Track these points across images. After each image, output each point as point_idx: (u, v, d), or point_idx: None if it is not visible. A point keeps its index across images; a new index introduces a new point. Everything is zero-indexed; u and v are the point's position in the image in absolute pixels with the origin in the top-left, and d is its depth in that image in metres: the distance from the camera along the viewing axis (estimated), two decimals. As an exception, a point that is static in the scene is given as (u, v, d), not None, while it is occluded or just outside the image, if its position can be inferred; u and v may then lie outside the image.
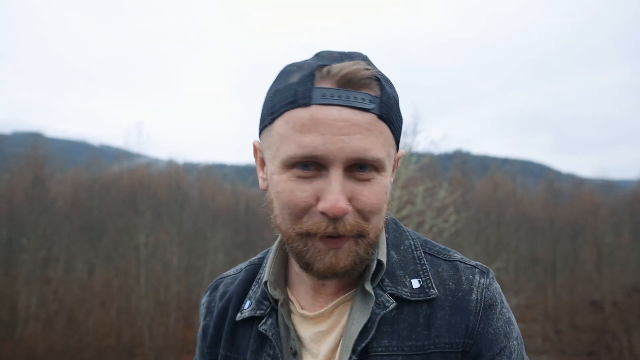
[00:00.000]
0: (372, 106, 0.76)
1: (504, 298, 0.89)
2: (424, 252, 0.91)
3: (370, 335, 0.82)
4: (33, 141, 25.29)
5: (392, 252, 0.90)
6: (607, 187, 32.10)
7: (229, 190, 32.25)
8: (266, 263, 0.98)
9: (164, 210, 24.14)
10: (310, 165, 0.78)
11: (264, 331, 0.89)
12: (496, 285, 0.89)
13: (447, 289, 0.86)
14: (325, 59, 0.81)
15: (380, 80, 0.79)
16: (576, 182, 39.03)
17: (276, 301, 0.91)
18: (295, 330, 0.90)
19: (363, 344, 0.82)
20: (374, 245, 0.83)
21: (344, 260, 0.80)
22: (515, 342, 0.86)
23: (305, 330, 0.89)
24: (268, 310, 0.91)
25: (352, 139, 0.75)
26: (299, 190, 0.78)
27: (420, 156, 11.92)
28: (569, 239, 26.51)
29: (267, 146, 0.84)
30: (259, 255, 1.05)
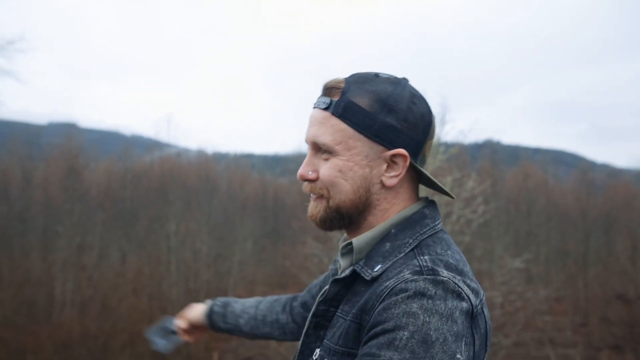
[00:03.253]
0: (326, 106, 1.07)
1: (426, 299, 0.90)
2: (413, 249, 1.03)
3: (330, 295, 1.07)
4: (68, 132, 25.96)
5: (387, 243, 1.06)
6: (643, 177, 31.18)
7: (258, 179, 32.54)
8: None
9: (194, 200, 24.53)
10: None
11: (329, 269, 1.27)
12: (423, 284, 0.92)
13: (387, 275, 0.99)
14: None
15: (343, 89, 1.07)
16: (611, 172, 38.00)
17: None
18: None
19: (320, 298, 1.08)
20: (338, 211, 1.09)
21: (313, 211, 1.11)
22: (406, 333, 0.87)
23: None
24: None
25: (311, 129, 1.10)
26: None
27: (448, 146, 11.79)
28: (602, 231, 25.90)
29: None
30: None
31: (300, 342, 1.12)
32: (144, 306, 19.48)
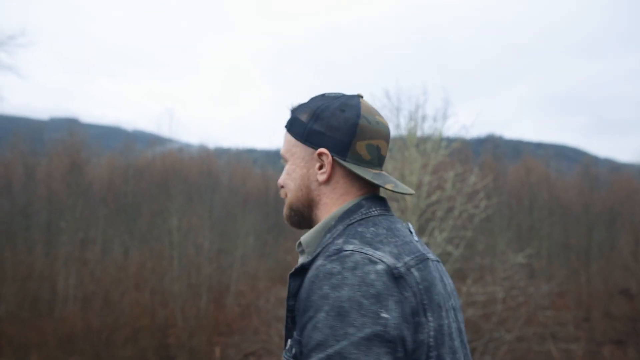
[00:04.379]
0: (285, 124, 1.32)
1: (334, 277, 1.03)
2: (339, 235, 1.15)
3: (290, 290, 1.16)
4: (70, 127, 25.96)
5: (327, 234, 1.19)
6: (646, 172, 31.06)
7: (259, 174, 32.56)
8: None
9: (196, 195, 24.55)
10: None
11: None
12: (330, 265, 1.05)
13: (314, 264, 1.11)
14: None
15: (294, 110, 1.31)
16: (614, 166, 37.85)
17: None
18: None
19: (288, 296, 1.17)
20: (292, 207, 1.29)
21: (284, 212, 1.32)
22: (322, 314, 1.01)
23: None
24: None
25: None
26: None
27: (450, 141, 11.76)
28: (604, 225, 25.83)
29: None
30: None
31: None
32: (146, 301, 19.54)
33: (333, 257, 1.06)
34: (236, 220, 24.13)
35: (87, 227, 22.26)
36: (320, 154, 1.23)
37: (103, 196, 24.24)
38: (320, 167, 1.24)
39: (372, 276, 1.02)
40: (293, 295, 1.15)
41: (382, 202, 1.24)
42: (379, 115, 1.27)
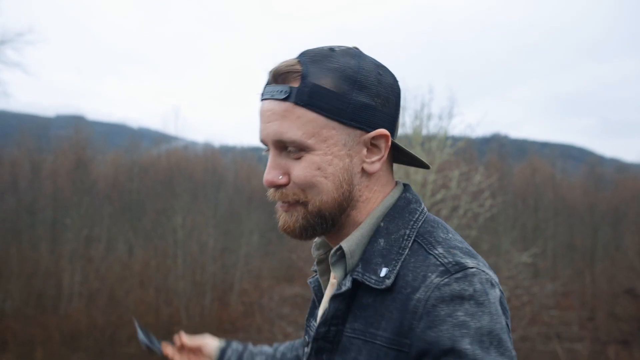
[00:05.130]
0: (286, 95, 0.91)
1: (468, 301, 0.82)
2: (415, 241, 0.92)
3: (330, 314, 0.92)
4: (75, 124, 26.04)
5: (380, 239, 0.93)
6: (652, 172, 30.91)
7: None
8: None
9: (200, 193, 24.58)
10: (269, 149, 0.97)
11: (309, 283, 1.09)
12: (458, 286, 0.83)
13: (406, 281, 0.87)
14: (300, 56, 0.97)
15: (302, 72, 0.91)
16: (620, 167, 37.67)
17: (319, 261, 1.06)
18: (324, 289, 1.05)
19: (321, 320, 0.93)
20: (320, 215, 0.94)
21: (288, 221, 0.96)
22: (466, 347, 0.79)
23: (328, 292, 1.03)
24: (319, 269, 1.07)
25: (270, 125, 0.93)
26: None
27: (456, 140, 11.73)
28: (610, 226, 25.73)
29: None
30: None
31: None
32: (151, 298, 19.61)
33: (458, 276, 0.83)
34: (241, 219, 24.15)
35: (92, 225, 22.33)
36: (376, 137, 0.93)
37: (108, 194, 24.30)
38: (368, 153, 0.94)
39: (497, 304, 0.84)
40: (330, 320, 0.92)
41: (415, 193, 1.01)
42: None
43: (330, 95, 0.90)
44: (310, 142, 0.91)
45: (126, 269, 20.49)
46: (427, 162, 1.01)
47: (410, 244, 0.91)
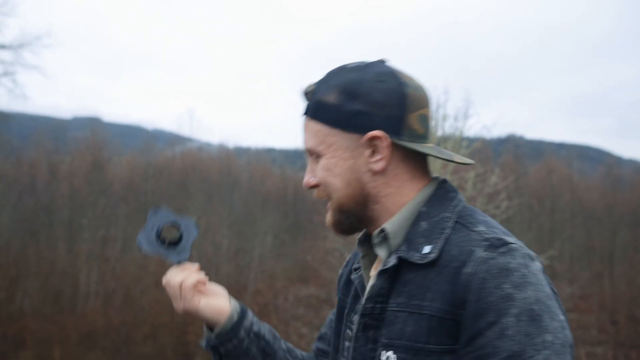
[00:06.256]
0: (304, 112, 1.11)
1: (513, 274, 0.90)
2: (456, 222, 1.01)
3: (375, 290, 1.02)
4: (92, 126, 26.37)
5: (422, 222, 1.03)
6: (672, 173, 30.37)
7: (278, 174, 32.62)
8: None
9: (215, 194, 24.72)
10: None
11: (352, 279, 1.16)
12: (503, 259, 0.91)
13: (450, 254, 0.95)
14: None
15: (314, 91, 1.10)
16: (638, 168, 37.10)
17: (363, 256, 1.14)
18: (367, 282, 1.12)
19: (367, 294, 1.04)
20: (341, 209, 1.08)
21: (327, 219, 1.11)
22: (513, 319, 0.86)
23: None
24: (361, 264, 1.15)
25: (303, 137, 1.12)
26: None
27: (471, 141, 11.64)
28: (628, 227, 25.31)
29: None
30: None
31: (349, 349, 1.07)
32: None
33: (502, 250, 0.92)
34: (255, 220, 24.21)
35: (108, 225, 22.55)
36: (371, 139, 1.04)
37: (124, 194, 24.54)
38: (372, 154, 1.05)
39: (540, 275, 0.92)
40: (375, 296, 1.01)
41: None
42: (416, 78, 1.09)
43: (330, 107, 1.06)
44: (320, 148, 1.07)
45: (142, 269, 20.64)
46: (454, 159, 1.10)
47: (452, 224, 1.00)
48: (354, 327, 1.06)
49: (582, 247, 24.96)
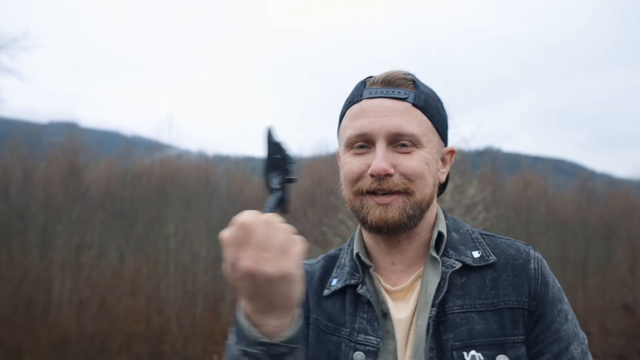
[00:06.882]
0: (406, 97, 1.04)
1: (547, 266, 1.09)
2: (480, 234, 1.12)
3: (444, 290, 1.01)
4: (68, 131, 25.93)
5: (453, 233, 1.10)
6: (643, 188, 31.11)
7: (258, 183, 32.49)
8: (345, 252, 1.17)
9: (193, 202, 24.50)
10: (364, 146, 1.05)
11: (362, 293, 1.05)
12: (539, 254, 1.10)
13: (508, 254, 1.07)
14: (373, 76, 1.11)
15: (415, 82, 1.07)
16: (611, 182, 37.93)
17: (368, 268, 1.09)
18: (383, 296, 1.07)
19: (440, 298, 1.01)
20: (420, 206, 1.04)
21: (392, 213, 1.02)
22: (567, 306, 1.06)
23: (387, 299, 1.07)
24: (361, 278, 1.09)
25: (390, 119, 1.02)
26: (355, 161, 1.05)
27: (449, 153, 11.77)
28: (601, 240, 25.84)
29: (339, 141, 1.12)
30: (333, 251, 1.23)
31: (423, 356, 0.99)
32: (142, 307, 19.43)
33: (536, 253, 1.10)
34: (233, 228, 23.99)
35: (84, 232, 22.17)
36: (452, 152, 1.15)
37: (100, 201, 24.17)
38: (443, 165, 1.12)
39: None
40: (441, 300, 1.02)
41: None
42: None
43: (435, 105, 1.08)
44: (423, 139, 1.04)
45: (117, 276, 20.33)
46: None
47: (478, 235, 1.11)
48: (396, 344, 1.00)
49: (556, 258, 25.36)
